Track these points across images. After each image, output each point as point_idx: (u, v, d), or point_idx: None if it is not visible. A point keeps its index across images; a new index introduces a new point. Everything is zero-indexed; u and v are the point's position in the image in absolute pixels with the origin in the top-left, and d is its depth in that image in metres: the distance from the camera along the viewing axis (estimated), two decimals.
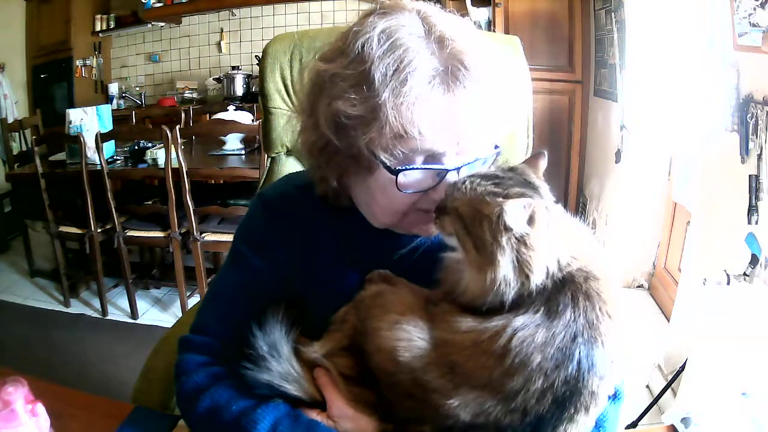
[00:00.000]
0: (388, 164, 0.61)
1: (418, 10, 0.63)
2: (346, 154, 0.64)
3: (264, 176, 1.16)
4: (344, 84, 0.60)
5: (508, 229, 0.53)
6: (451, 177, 0.62)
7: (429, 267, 0.64)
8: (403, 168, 0.61)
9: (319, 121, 0.64)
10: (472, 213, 0.56)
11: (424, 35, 0.60)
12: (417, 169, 0.61)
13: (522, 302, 0.54)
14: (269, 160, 1.15)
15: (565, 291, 0.54)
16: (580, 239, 0.58)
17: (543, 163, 0.62)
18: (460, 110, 0.59)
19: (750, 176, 1.48)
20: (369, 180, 0.65)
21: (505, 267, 0.54)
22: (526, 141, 1.03)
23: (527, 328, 0.52)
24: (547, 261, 0.54)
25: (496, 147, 0.66)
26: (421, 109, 0.58)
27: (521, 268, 0.53)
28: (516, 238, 0.54)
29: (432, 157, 0.61)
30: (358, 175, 0.66)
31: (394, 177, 0.61)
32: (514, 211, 0.53)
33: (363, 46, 0.60)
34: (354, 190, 0.71)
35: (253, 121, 2.97)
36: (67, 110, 2.72)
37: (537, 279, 0.53)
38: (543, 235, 0.54)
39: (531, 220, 0.54)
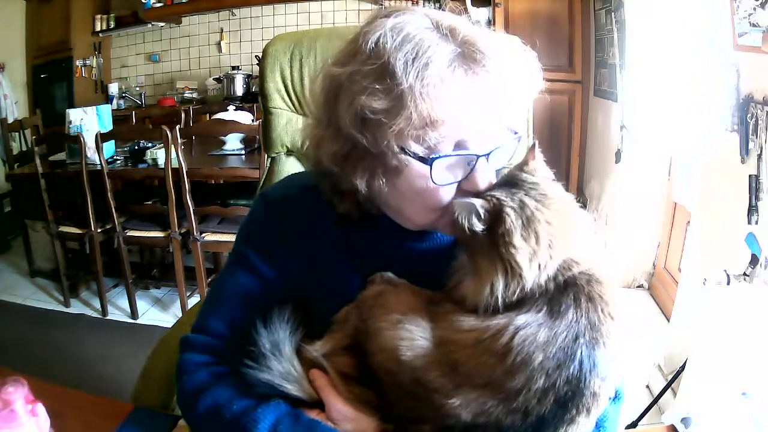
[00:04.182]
0: (420, 155, 0.60)
1: (421, 11, 0.64)
2: (373, 155, 0.62)
3: (264, 176, 1.16)
4: (366, 80, 0.60)
5: (471, 230, 0.55)
6: (482, 165, 0.62)
7: (431, 270, 0.64)
8: (436, 156, 0.60)
9: (340, 126, 0.63)
10: (455, 228, 0.58)
11: (434, 27, 0.61)
12: (449, 156, 0.61)
13: (524, 302, 0.54)
14: (269, 160, 1.15)
15: (567, 293, 0.54)
16: (581, 237, 0.58)
17: (532, 156, 0.63)
18: (484, 91, 0.60)
19: (750, 176, 1.48)
20: (398, 182, 0.64)
21: (486, 268, 0.55)
22: (526, 141, 1.03)
23: (529, 327, 0.52)
24: (537, 254, 0.54)
25: (516, 132, 0.66)
26: (447, 90, 0.58)
27: (506, 267, 0.54)
28: (490, 237, 0.55)
29: (460, 145, 0.61)
30: (386, 177, 0.64)
31: (426, 170, 0.60)
32: (461, 211, 0.55)
33: (377, 42, 0.60)
34: (384, 197, 0.68)
35: (253, 121, 2.97)
36: (67, 110, 2.72)
37: (529, 276, 0.54)
38: (519, 229, 0.54)
39: (497, 218, 0.54)
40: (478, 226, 0.56)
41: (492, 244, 0.55)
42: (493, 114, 0.61)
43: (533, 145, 0.64)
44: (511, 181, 0.60)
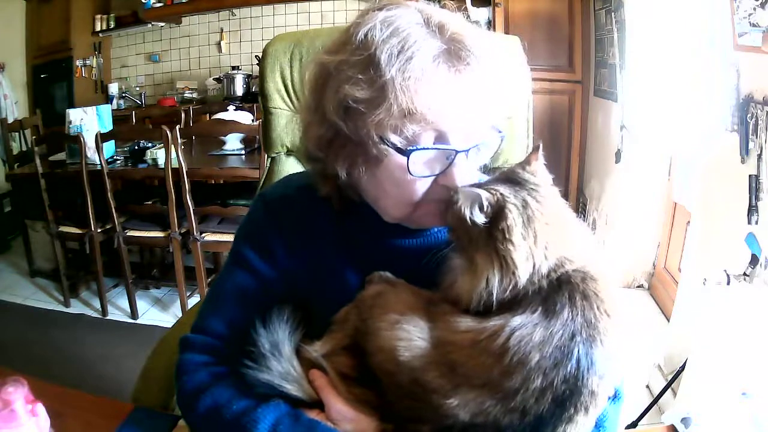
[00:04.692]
0: (399, 146, 0.61)
1: (414, 6, 0.65)
2: (355, 143, 0.64)
3: (264, 176, 1.16)
4: (351, 70, 0.61)
5: (473, 221, 0.54)
6: (460, 160, 0.63)
7: (430, 270, 0.64)
8: (414, 148, 0.61)
9: (326, 112, 0.64)
10: (452, 217, 0.58)
11: (424, 23, 0.62)
12: (427, 149, 0.61)
13: (519, 302, 0.54)
14: (269, 160, 1.15)
15: (562, 291, 0.54)
16: (576, 240, 0.58)
17: (535, 157, 0.63)
18: (466, 88, 0.60)
19: (750, 176, 1.48)
20: (377, 172, 0.65)
21: (482, 264, 0.55)
22: (526, 141, 1.03)
23: (525, 327, 0.52)
24: (532, 254, 0.54)
25: (500, 131, 0.67)
26: (428, 84, 0.59)
27: (502, 264, 0.54)
28: (489, 232, 0.54)
29: (439, 138, 0.62)
30: (367, 166, 0.66)
31: (405, 162, 0.61)
32: (465, 201, 0.55)
33: (366, 34, 0.61)
34: (362, 185, 0.70)
35: (253, 121, 2.97)
36: (67, 110, 2.72)
37: (522, 274, 0.54)
38: (519, 227, 0.54)
39: (499, 213, 0.54)
40: (480, 218, 0.55)
41: (490, 238, 0.55)
42: (475, 111, 0.62)
43: (537, 147, 0.64)
44: (513, 179, 0.60)
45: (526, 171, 0.61)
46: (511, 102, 0.67)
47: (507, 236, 0.54)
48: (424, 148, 0.61)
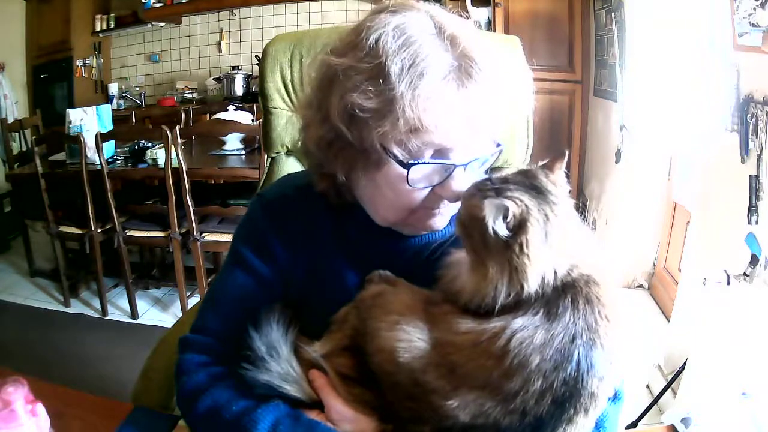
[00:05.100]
0: (400, 158, 0.61)
1: (427, 10, 0.64)
2: (356, 149, 0.63)
3: (264, 176, 1.16)
4: (359, 77, 0.60)
5: (495, 232, 0.53)
6: (458, 173, 0.63)
7: (430, 268, 0.64)
8: (415, 162, 0.61)
9: (329, 114, 0.63)
10: (468, 216, 0.58)
11: (436, 33, 0.61)
12: (428, 163, 0.62)
13: (521, 305, 0.54)
14: (269, 160, 1.15)
15: (565, 295, 0.54)
16: (583, 246, 0.58)
17: (559, 165, 0.61)
18: (473, 105, 0.60)
19: (750, 176, 1.48)
20: (377, 176, 0.65)
21: (494, 271, 0.54)
22: (526, 141, 1.03)
23: (526, 330, 0.52)
24: (544, 270, 0.54)
25: (498, 145, 0.67)
26: (437, 103, 0.59)
27: (513, 275, 0.53)
28: (506, 242, 0.54)
29: (441, 152, 0.62)
30: (366, 170, 0.66)
31: (405, 171, 0.61)
32: (490, 210, 0.53)
33: (377, 41, 0.60)
34: (359, 187, 0.70)
35: (253, 121, 2.97)
36: (67, 110, 2.72)
37: (531, 287, 0.53)
38: (537, 243, 0.53)
39: (521, 226, 0.53)
40: (503, 231, 0.54)
41: (507, 248, 0.54)
42: (479, 127, 0.62)
43: (563, 153, 0.62)
44: (536, 186, 0.57)
45: (548, 179, 0.59)
46: (515, 114, 0.67)
47: (525, 250, 0.53)
48: (424, 162, 0.61)
